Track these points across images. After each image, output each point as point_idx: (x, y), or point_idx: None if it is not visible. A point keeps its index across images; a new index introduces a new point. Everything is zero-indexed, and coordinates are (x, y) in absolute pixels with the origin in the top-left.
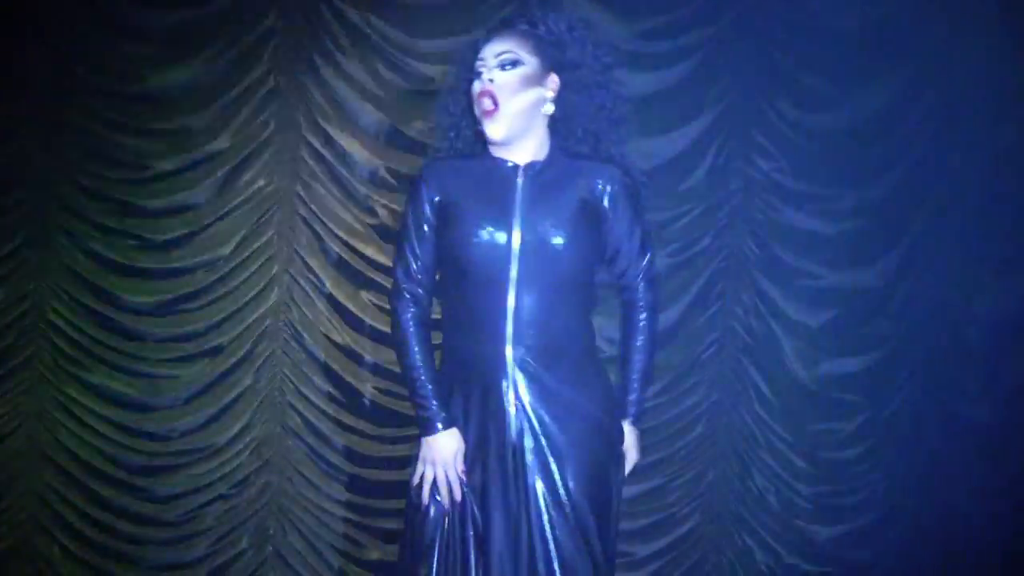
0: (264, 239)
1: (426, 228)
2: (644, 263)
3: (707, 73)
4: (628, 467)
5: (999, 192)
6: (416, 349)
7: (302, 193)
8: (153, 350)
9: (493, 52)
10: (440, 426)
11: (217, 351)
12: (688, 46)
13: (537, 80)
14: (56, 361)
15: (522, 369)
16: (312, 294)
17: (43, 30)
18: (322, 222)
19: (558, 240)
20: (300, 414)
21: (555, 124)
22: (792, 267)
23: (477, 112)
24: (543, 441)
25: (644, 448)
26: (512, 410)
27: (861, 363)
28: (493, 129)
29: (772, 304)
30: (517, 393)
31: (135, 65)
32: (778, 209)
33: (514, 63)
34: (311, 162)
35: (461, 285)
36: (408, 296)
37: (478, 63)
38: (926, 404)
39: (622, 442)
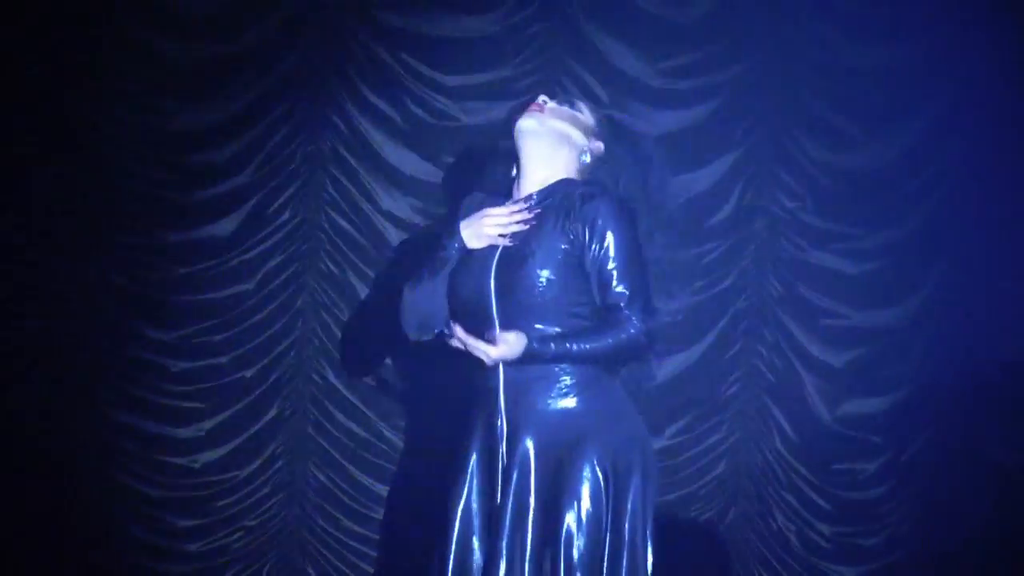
0: (289, 272)
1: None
2: (626, 293)
3: (732, 111)
4: (472, 348)
5: None
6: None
7: (327, 226)
8: (176, 382)
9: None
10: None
11: (241, 384)
12: (714, 84)
13: (585, 130)
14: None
15: (514, 399)
16: (336, 327)
17: (70, 64)
18: (347, 256)
19: (531, 273)
20: (323, 447)
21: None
22: (816, 306)
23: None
24: (531, 471)
25: (663, 486)
26: (503, 446)
27: (884, 403)
28: (527, 121)
29: (795, 343)
30: (508, 423)
31: (161, 99)
32: (802, 248)
33: (572, 104)
34: (336, 196)
35: (459, 322)
36: None
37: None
38: (949, 445)
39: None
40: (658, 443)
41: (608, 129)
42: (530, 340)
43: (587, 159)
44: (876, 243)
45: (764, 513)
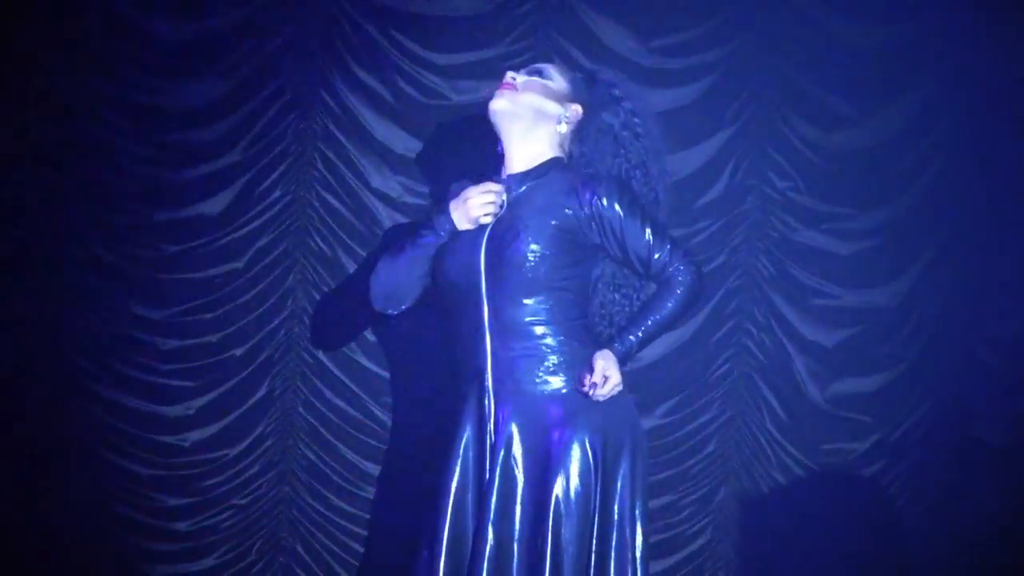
0: (279, 251)
1: None
2: (664, 253)
3: (724, 91)
4: (606, 389)
5: (1016, 213)
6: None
7: (317, 205)
8: (165, 361)
9: (530, 64)
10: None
11: (230, 362)
12: (705, 63)
13: (558, 98)
14: (68, 372)
15: (500, 379)
16: (325, 305)
17: (57, 40)
18: (338, 235)
19: (522, 248)
20: (313, 426)
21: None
22: (807, 286)
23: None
24: (519, 449)
25: (654, 466)
26: (491, 425)
27: (874, 383)
28: (497, 102)
29: (786, 323)
30: (495, 402)
31: (149, 77)
32: (793, 228)
33: (541, 73)
34: (327, 174)
35: (445, 304)
36: None
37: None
38: (939, 425)
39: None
40: (649, 422)
41: (585, 89)
42: (613, 350)
43: (563, 129)
44: (867, 223)
45: (754, 492)
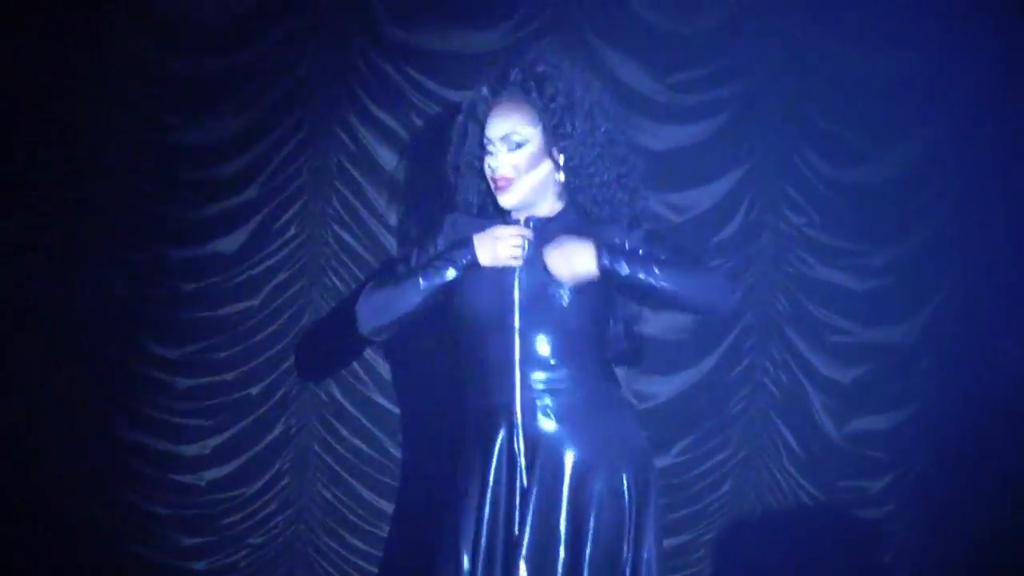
0: (295, 288)
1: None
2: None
3: (738, 127)
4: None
5: None
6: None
7: (333, 242)
8: (182, 399)
9: (498, 134)
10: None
11: (246, 401)
12: (720, 99)
13: (544, 154)
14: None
15: (531, 418)
16: (343, 344)
17: (75, 79)
18: (352, 271)
19: (558, 290)
20: (329, 464)
21: (570, 188)
22: (823, 322)
23: (491, 184)
24: (555, 489)
25: (670, 505)
26: (522, 460)
27: (891, 420)
28: (506, 199)
29: (802, 360)
30: (526, 442)
31: (166, 114)
32: (809, 264)
33: (519, 144)
34: (342, 212)
35: (468, 340)
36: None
37: (485, 141)
38: (956, 462)
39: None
40: (665, 460)
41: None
42: (605, 253)
43: (561, 177)
44: (883, 259)
45: (771, 530)
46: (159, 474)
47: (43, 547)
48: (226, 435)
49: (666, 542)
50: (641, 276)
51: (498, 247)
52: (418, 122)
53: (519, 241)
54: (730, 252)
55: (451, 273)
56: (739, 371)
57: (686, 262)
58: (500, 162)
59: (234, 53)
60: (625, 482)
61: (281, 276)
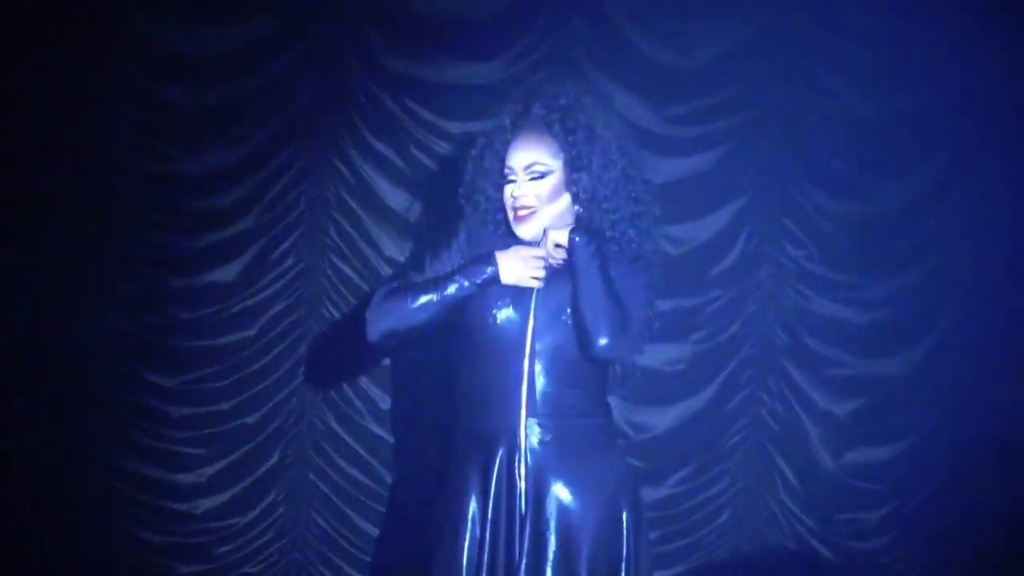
0: (292, 318)
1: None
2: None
3: (737, 159)
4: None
5: None
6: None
7: (330, 273)
8: (177, 428)
9: (521, 164)
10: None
11: (242, 430)
12: (718, 132)
13: (564, 186)
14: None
15: (534, 442)
16: (339, 374)
17: (73, 109)
18: (349, 302)
19: (571, 319)
20: (324, 494)
21: (581, 220)
22: (820, 355)
23: (510, 213)
24: (553, 514)
25: (667, 535)
26: (522, 484)
27: (888, 453)
28: (525, 229)
29: (799, 392)
30: (528, 465)
31: (163, 144)
32: (807, 297)
33: (543, 175)
34: (340, 242)
35: (476, 357)
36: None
37: (507, 171)
38: (954, 495)
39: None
40: (661, 492)
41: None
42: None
43: (578, 209)
44: (881, 292)
45: (767, 562)
46: (154, 502)
47: (37, 572)
48: (222, 464)
49: (661, 573)
50: (582, 266)
51: (522, 267)
52: (416, 153)
53: (542, 263)
54: (728, 284)
55: (471, 288)
56: (736, 403)
57: (618, 295)
58: (523, 191)
59: (233, 84)
60: (624, 515)
61: (278, 306)
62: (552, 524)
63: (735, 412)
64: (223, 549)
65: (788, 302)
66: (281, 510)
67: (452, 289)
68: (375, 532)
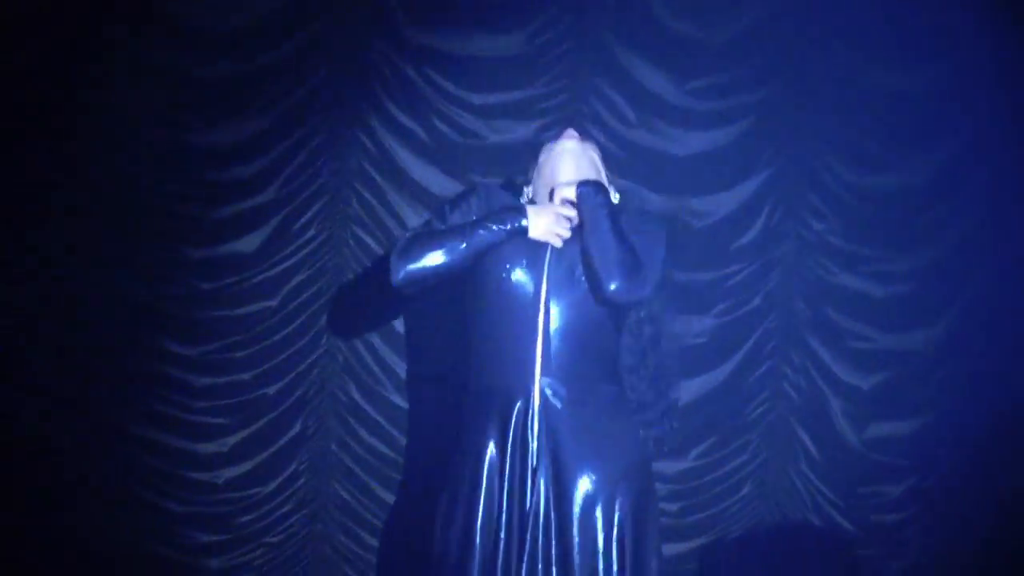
0: (313, 289)
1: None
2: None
3: (760, 133)
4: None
5: None
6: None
7: (352, 244)
8: (199, 398)
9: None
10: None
11: (263, 400)
12: (742, 106)
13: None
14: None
15: (548, 401)
16: (361, 345)
17: (92, 82)
18: (371, 273)
19: (584, 284)
20: (346, 465)
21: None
22: (843, 329)
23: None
24: (565, 474)
25: (688, 507)
26: (534, 443)
27: (910, 427)
28: (568, 142)
29: (822, 365)
30: (540, 425)
31: (186, 115)
32: (830, 270)
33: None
34: (362, 213)
35: (490, 319)
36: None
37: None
38: (975, 469)
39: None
40: (682, 464)
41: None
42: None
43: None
44: (904, 266)
45: (789, 535)
46: (176, 472)
47: (59, 543)
48: (243, 434)
49: (682, 545)
50: (588, 214)
51: (552, 223)
52: (439, 124)
53: (569, 224)
54: (751, 257)
55: (499, 234)
56: (758, 376)
57: (631, 241)
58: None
59: (255, 56)
60: (632, 486)
61: (300, 277)
62: (567, 488)
63: (757, 385)
64: (244, 519)
65: (811, 275)
66: (302, 480)
67: (481, 234)
68: (397, 502)
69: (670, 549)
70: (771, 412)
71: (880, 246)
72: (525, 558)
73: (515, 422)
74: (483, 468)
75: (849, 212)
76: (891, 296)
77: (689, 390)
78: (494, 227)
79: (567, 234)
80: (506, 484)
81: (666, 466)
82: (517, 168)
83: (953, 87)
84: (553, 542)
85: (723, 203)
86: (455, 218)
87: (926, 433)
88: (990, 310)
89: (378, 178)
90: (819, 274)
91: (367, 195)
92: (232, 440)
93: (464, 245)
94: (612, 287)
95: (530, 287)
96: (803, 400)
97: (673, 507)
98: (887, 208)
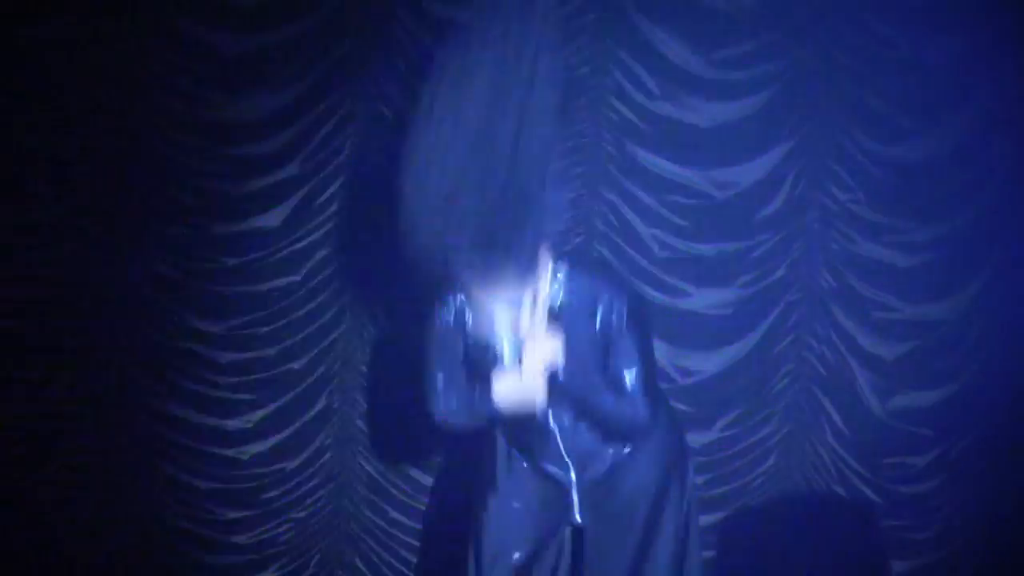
0: (337, 264)
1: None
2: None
3: (784, 103)
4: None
5: None
6: None
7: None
8: (224, 374)
9: None
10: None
11: (289, 376)
12: (765, 76)
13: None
14: (127, 385)
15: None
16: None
17: (116, 56)
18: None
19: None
20: (372, 439)
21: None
22: (867, 299)
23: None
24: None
25: (714, 480)
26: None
27: (936, 397)
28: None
29: (847, 336)
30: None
31: (208, 90)
32: (854, 240)
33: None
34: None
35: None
36: None
37: None
38: (1001, 439)
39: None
40: (708, 436)
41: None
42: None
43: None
44: (928, 236)
45: (815, 506)
46: (201, 448)
47: (84, 518)
48: (268, 409)
49: (708, 517)
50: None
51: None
52: None
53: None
54: (775, 228)
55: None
56: (783, 347)
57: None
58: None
59: (277, 30)
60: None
61: (323, 251)
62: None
63: (782, 356)
64: (270, 494)
65: (835, 246)
66: (328, 455)
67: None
68: (424, 478)
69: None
70: (796, 383)
71: (904, 216)
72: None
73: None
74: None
75: (873, 182)
76: (916, 265)
77: (714, 362)
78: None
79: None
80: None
81: (691, 439)
82: None
83: (977, 55)
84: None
85: (747, 174)
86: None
87: (952, 403)
88: (1015, 279)
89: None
90: (843, 244)
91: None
92: (257, 416)
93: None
94: (625, 451)
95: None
96: (828, 371)
97: (699, 480)
98: (911, 178)
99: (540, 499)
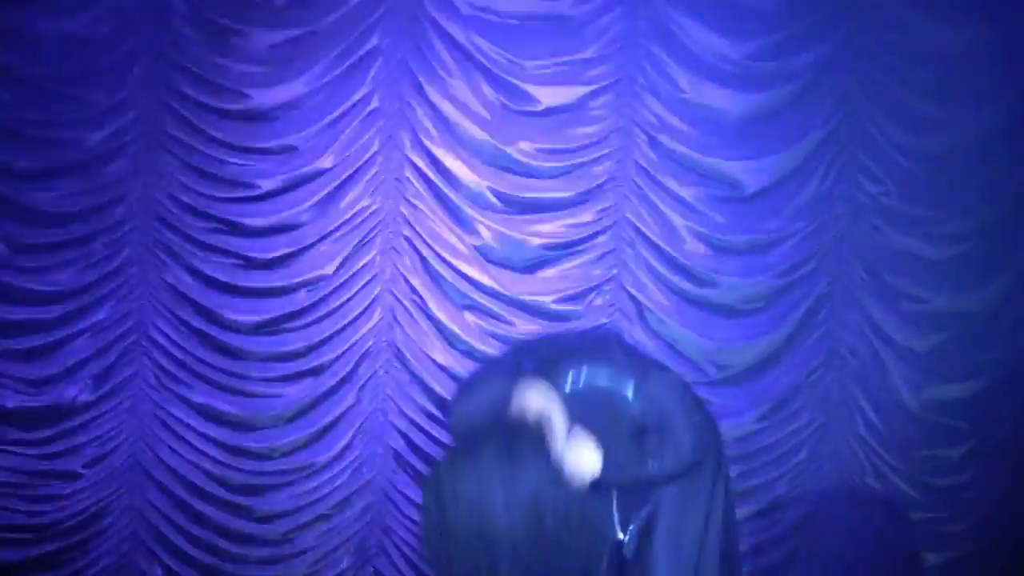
0: (367, 258)
1: None
2: None
3: (814, 94)
4: None
5: None
6: None
7: (406, 213)
8: (255, 369)
9: None
10: None
11: (319, 371)
12: (796, 67)
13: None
14: (159, 379)
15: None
16: (415, 314)
17: (148, 48)
18: (426, 242)
19: None
20: (402, 434)
21: None
22: (899, 291)
23: None
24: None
25: (746, 472)
26: None
27: (969, 388)
28: None
29: (878, 328)
30: None
31: (239, 83)
32: (885, 232)
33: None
34: (415, 182)
35: None
36: None
37: None
38: None
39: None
40: (740, 429)
41: None
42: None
43: None
44: (959, 227)
45: (848, 499)
46: (230, 442)
47: (116, 513)
48: (300, 404)
49: (738, 510)
50: None
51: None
52: (490, 91)
53: None
54: (805, 220)
55: None
56: (815, 339)
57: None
58: None
59: (308, 23)
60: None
61: (353, 246)
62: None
63: (814, 349)
64: (301, 489)
65: (865, 238)
66: (358, 450)
67: None
68: None
69: None
70: (828, 376)
71: (935, 207)
72: None
73: None
74: None
75: (903, 173)
76: (946, 257)
77: (746, 355)
78: None
79: None
80: None
81: (724, 431)
82: (564, 136)
83: (1007, 45)
84: None
85: (776, 166)
86: None
87: (985, 395)
88: None
89: (430, 146)
90: (874, 236)
91: (420, 163)
92: (288, 410)
93: None
94: None
95: None
96: (859, 363)
97: (732, 472)
98: (942, 169)
99: None
